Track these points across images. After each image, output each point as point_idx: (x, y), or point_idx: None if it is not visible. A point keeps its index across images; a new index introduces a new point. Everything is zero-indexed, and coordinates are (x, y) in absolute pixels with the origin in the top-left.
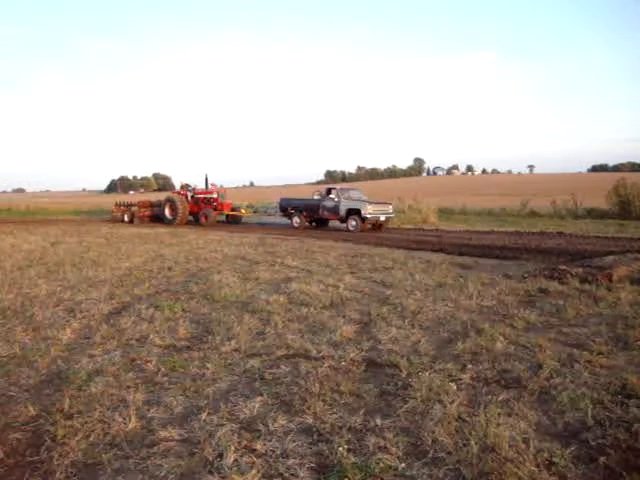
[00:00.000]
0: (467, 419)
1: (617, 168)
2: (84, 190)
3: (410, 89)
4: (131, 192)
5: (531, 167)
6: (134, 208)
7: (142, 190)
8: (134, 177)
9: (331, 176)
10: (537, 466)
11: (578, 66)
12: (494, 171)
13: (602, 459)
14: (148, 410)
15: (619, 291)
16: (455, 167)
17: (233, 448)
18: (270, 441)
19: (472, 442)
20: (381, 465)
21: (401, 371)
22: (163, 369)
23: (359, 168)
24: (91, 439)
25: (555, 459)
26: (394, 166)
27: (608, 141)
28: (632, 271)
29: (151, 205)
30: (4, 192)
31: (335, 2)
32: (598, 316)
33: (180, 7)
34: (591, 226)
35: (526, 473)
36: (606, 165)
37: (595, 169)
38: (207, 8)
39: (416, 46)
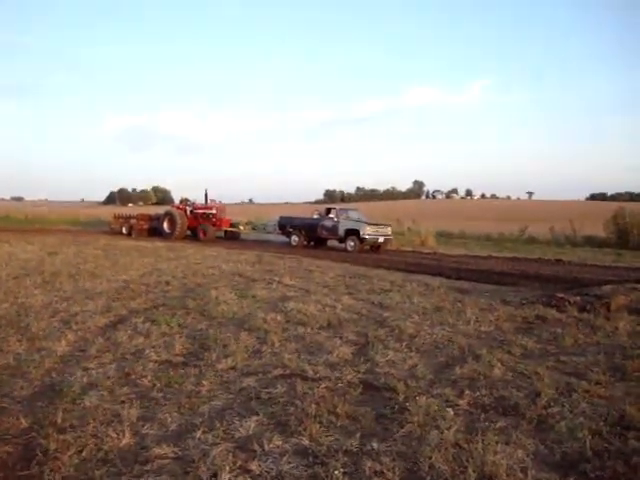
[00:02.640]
0: (464, 446)
1: (615, 197)
2: (83, 200)
3: (410, 112)
4: (130, 205)
5: (530, 193)
6: (133, 221)
7: (141, 203)
8: (133, 190)
9: (330, 196)
10: None
11: (578, 94)
12: (493, 196)
13: None
14: (142, 426)
15: (617, 320)
16: (454, 191)
17: (228, 468)
18: (265, 462)
19: (470, 469)
20: None
21: (398, 395)
22: (158, 384)
23: (358, 189)
24: (84, 454)
25: None
26: (393, 188)
27: (607, 170)
28: (630, 301)
29: (150, 218)
30: (2, 199)
31: (332, 24)
32: (596, 345)
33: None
34: (589, 254)
35: None
36: (605, 194)
37: (594, 197)
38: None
39: (417, 71)
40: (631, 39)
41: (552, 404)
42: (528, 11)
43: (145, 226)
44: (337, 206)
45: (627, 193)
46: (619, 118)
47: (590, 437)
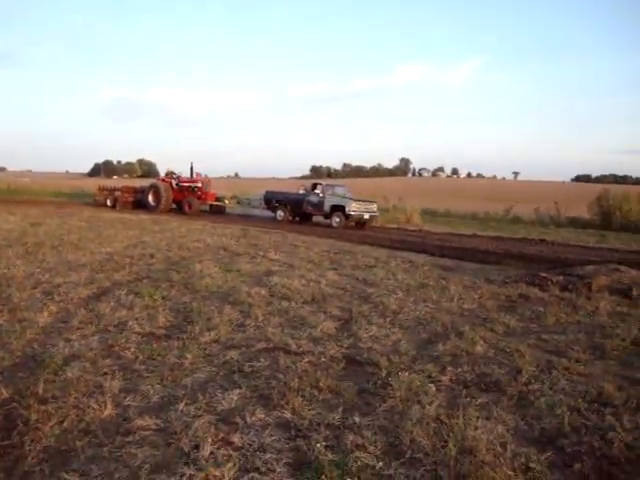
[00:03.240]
0: (446, 421)
1: (600, 179)
2: (67, 172)
3: (398, 89)
4: (115, 177)
5: (516, 173)
6: (117, 193)
7: (126, 175)
8: (118, 162)
9: (316, 172)
10: (514, 470)
11: (565, 77)
12: (479, 175)
13: (577, 466)
14: (124, 398)
15: (598, 300)
16: (441, 169)
17: (210, 440)
18: (247, 434)
19: (450, 444)
20: (358, 463)
21: (381, 370)
22: (141, 357)
23: (345, 165)
24: (65, 425)
25: (531, 464)
26: (380, 165)
27: (592, 152)
28: (611, 281)
29: (135, 191)
30: None
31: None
32: (577, 324)
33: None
34: (573, 235)
35: (503, 477)
36: (589, 176)
37: (578, 179)
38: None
39: (406, 47)
40: (624, 21)
41: (533, 381)
42: None
43: (130, 198)
44: (323, 182)
45: (611, 175)
46: (605, 101)
47: (568, 413)
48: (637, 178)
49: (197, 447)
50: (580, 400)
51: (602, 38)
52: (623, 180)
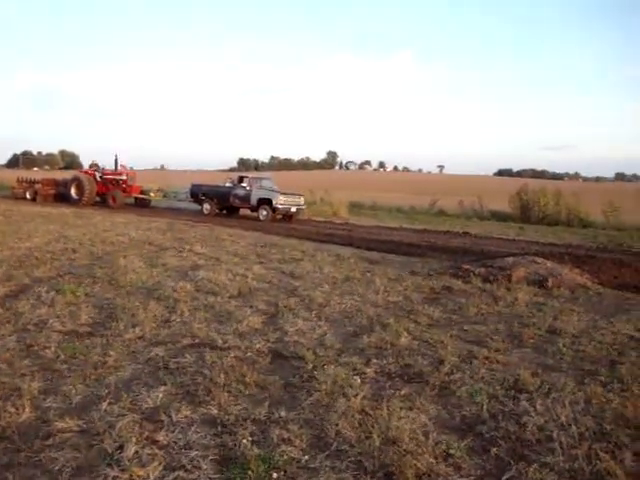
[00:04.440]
0: (370, 412)
1: (520, 173)
2: None
3: (326, 82)
4: (35, 168)
5: (441, 167)
6: (38, 185)
7: (47, 167)
8: (39, 153)
9: (244, 164)
10: (435, 458)
11: (490, 73)
12: (405, 169)
13: (494, 450)
14: (44, 399)
15: (517, 291)
16: (367, 163)
17: (134, 440)
18: (173, 432)
19: (374, 435)
20: (285, 457)
21: (307, 363)
22: (62, 356)
23: (272, 158)
24: None
25: (452, 451)
26: (307, 158)
27: (513, 148)
28: (529, 273)
29: (56, 183)
30: None
31: None
32: (497, 315)
33: None
34: (495, 227)
35: (425, 464)
36: (510, 170)
37: (501, 173)
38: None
39: (332, 41)
40: (553, 16)
41: (454, 371)
42: None
43: (51, 191)
44: (250, 174)
45: (531, 170)
46: (529, 98)
47: (487, 401)
48: (554, 173)
49: (121, 447)
50: (498, 387)
51: (524, 35)
52: (542, 175)
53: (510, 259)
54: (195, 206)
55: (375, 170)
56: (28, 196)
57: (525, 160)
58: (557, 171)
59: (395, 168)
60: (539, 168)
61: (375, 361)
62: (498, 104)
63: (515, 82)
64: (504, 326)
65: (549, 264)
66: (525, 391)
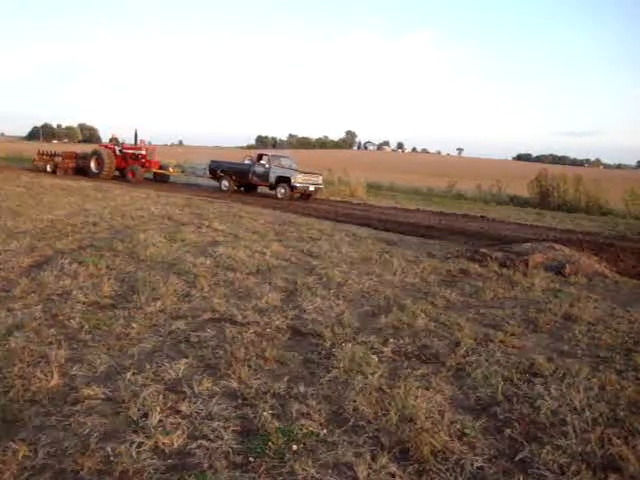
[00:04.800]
0: (387, 391)
1: (540, 158)
2: (3, 135)
3: (346, 63)
4: (54, 141)
5: (460, 150)
6: (58, 158)
7: (66, 140)
8: (58, 126)
9: (262, 141)
10: (450, 436)
11: (511, 58)
12: (424, 150)
13: (507, 431)
14: (71, 367)
15: (534, 277)
16: (386, 143)
17: (158, 409)
18: (195, 403)
19: (391, 412)
20: (304, 431)
21: (325, 341)
22: (86, 326)
23: (291, 136)
24: (10, 395)
25: (467, 430)
26: (326, 137)
27: (533, 133)
28: (547, 259)
29: (76, 157)
30: None
31: None
32: (513, 299)
33: None
34: (512, 212)
35: (440, 442)
36: (530, 155)
37: (520, 158)
38: None
39: (352, 22)
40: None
41: (470, 353)
42: None
43: (71, 164)
44: (269, 152)
45: (551, 155)
46: (551, 82)
47: (502, 383)
48: (574, 159)
49: (146, 415)
50: (513, 371)
51: (546, 21)
52: (561, 161)
53: (527, 244)
54: (213, 183)
55: (393, 151)
56: (49, 169)
57: (545, 145)
58: (578, 157)
59: (414, 149)
60: (559, 154)
61: (392, 341)
62: (519, 88)
63: (537, 66)
64: (520, 311)
65: (567, 251)
66: (540, 375)
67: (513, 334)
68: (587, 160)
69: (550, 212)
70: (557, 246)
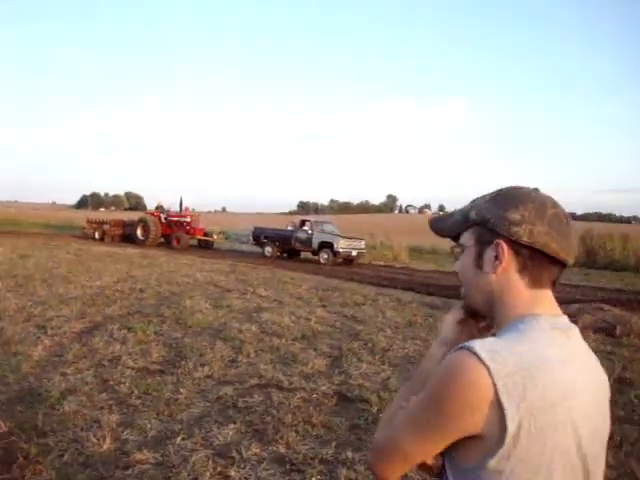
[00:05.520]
0: None
1: (584, 217)
2: (54, 203)
3: (385, 127)
4: (102, 209)
5: None
6: (106, 226)
7: (113, 208)
8: (105, 194)
9: (304, 207)
10: None
11: (550, 117)
12: None
13: None
14: (122, 432)
15: (584, 339)
16: (427, 206)
17: (208, 474)
18: (244, 468)
19: None
20: None
21: (371, 406)
22: (136, 391)
23: (332, 201)
24: (65, 458)
25: None
26: (367, 201)
27: (576, 191)
28: (596, 320)
29: (123, 224)
30: None
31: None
32: None
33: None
34: None
35: None
36: (574, 214)
37: None
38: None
39: (394, 86)
40: (605, 66)
41: None
42: (507, 33)
43: (118, 232)
44: (312, 218)
45: (595, 213)
46: (593, 139)
47: None
48: (621, 216)
49: None
50: None
51: (580, 79)
52: (607, 218)
53: (575, 306)
54: (256, 249)
55: (434, 214)
56: (97, 236)
57: (590, 203)
58: (624, 214)
59: None
60: (604, 211)
61: None
62: (560, 146)
63: (577, 122)
64: None
65: (617, 311)
66: None
67: None
68: (634, 217)
69: (597, 271)
70: (606, 307)
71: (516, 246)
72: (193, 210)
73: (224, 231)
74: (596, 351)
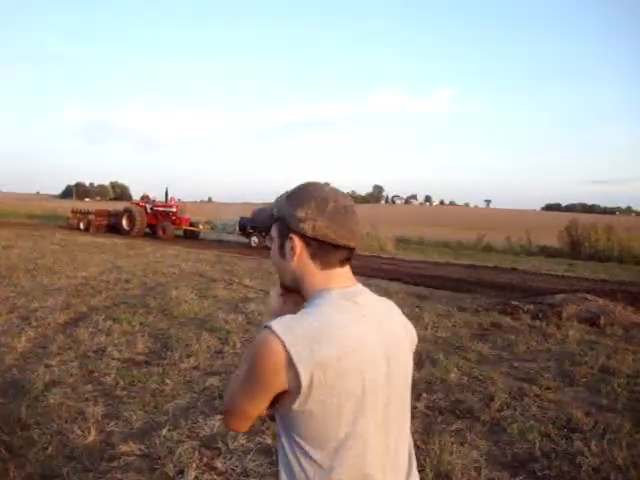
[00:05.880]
0: (422, 446)
1: (569, 208)
2: (38, 193)
3: (373, 117)
4: (87, 199)
5: (488, 201)
6: (91, 216)
7: (98, 198)
8: (91, 184)
9: None
10: None
11: (535, 108)
12: (452, 203)
13: None
14: (107, 423)
15: (567, 329)
16: (413, 197)
17: (194, 465)
18: (230, 459)
19: (427, 469)
20: None
21: None
22: (122, 383)
23: None
24: (49, 451)
25: None
26: (353, 192)
27: (561, 182)
28: (580, 310)
29: (108, 214)
30: None
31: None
32: (547, 352)
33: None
34: (543, 263)
35: None
36: (559, 205)
37: (549, 208)
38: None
39: (381, 76)
40: (598, 53)
41: (505, 408)
42: (495, 22)
43: (103, 222)
44: None
45: (580, 204)
46: (575, 133)
47: (539, 439)
48: (604, 208)
49: (182, 472)
50: (550, 426)
51: (571, 69)
52: (592, 209)
53: (560, 296)
54: (242, 239)
55: (421, 204)
56: (82, 226)
57: (574, 194)
58: (608, 205)
59: (441, 202)
60: (589, 202)
61: (425, 395)
62: (546, 138)
63: (564, 115)
64: (555, 364)
65: (601, 301)
66: (579, 431)
67: (548, 388)
68: (618, 208)
69: (582, 262)
70: (590, 297)
71: (305, 238)
72: (179, 200)
73: (210, 221)
74: (580, 341)
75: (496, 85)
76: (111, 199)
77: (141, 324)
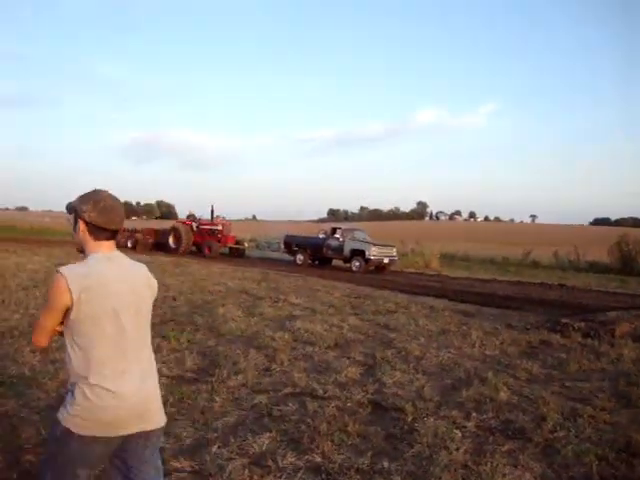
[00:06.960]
0: (473, 467)
1: (619, 222)
2: None
3: (416, 133)
4: (134, 218)
5: (533, 217)
6: (138, 235)
7: (144, 217)
8: (137, 203)
9: (334, 214)
10: None
11: (581, 120)
12: (496, 219)
13: None
14: None
15: (621, 347)
16: (458, 213)
17: None
18: (280, 477)
19: None
20: None
21: (406, 415)
22: (172, 399)
23: (362, 208)
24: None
25: None
26: (397, 208)
27: (610, 196)
28: (634, 328)
29: (155, 233)
30: (7, 209)
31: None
32: (600, 371)
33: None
34: (593, 280)
35: None
36: (608, 219)
37: (597, 222)
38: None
39: (424, 92)
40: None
41: (558, 428)
42: (540, 35)
43: (150, 240)
44: (343, 226)
45: (630, 218)
46: (622, 143)
47: (597, 462)
48: None
49: None
50: (608, 449)
51: (616, 80)
52: None
53: (613, 313)
54: (287, 256)
55: (465, 220)
56: (129, 244)
57: (624, 208)
58: None
59: (486, 218)
60: None
61: (475, 415)
62: (593, 149)
63: (611, 125)
64: (609, 384)
65: None
66: (639, 455)
67: (603, 409)
68: None
69: (634, 278)
70: None
71: (86, 222)
72: (224, 218)
73: (255, 239)
74: (636, 360)
75: (540, 98)
76: (157, 218)
77: (189, 341)
